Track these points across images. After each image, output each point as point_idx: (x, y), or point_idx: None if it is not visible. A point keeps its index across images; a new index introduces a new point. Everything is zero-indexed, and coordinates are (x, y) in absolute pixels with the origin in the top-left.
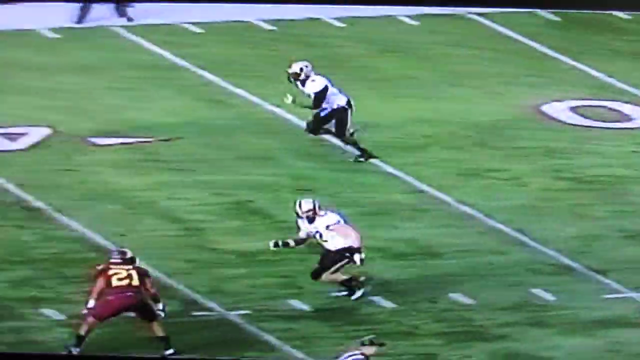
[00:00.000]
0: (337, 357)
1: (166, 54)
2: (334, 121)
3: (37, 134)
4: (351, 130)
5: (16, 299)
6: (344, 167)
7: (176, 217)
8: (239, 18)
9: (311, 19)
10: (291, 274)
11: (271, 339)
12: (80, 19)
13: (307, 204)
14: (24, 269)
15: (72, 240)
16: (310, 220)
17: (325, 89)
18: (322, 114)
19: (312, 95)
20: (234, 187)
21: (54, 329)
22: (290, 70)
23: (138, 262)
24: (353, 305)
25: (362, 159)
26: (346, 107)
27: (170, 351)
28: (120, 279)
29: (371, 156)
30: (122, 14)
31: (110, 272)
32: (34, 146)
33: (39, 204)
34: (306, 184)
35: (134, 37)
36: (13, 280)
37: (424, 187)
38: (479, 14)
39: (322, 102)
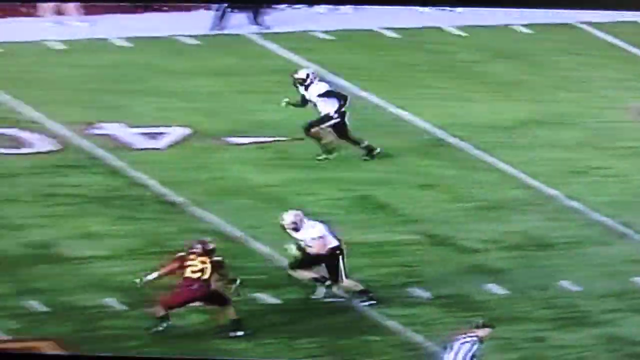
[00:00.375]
0: (453, 339)
1: (297, 60)
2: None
3: (177, 133)
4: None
5: (155, 287)
6: (461, 165)
7: (305, 211)
8: (365, 26)
9: (432, 27)
10: (412, 264)
11: (393, 324)
12: (217, 27)
13: (289, 217)
14: (162, 259)
15: (208, 232)
16: (295, 230)
17: (329, 91)
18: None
19: (317, 98)
20: (359, 183)
21: (191, 315)
22: (297, 76)
23: (270, 253)
24: (469, 292)
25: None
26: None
27: (240, 333)
28: (193, 272)
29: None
30: (257, 22)
31: (187, 262)
32: (174, 145)
33: (177, 198)
34: (426, 181)
35: (267, 44)
36: (153, 269)
37: (535, 183)
38: (587, 23)
39: (330, 100)
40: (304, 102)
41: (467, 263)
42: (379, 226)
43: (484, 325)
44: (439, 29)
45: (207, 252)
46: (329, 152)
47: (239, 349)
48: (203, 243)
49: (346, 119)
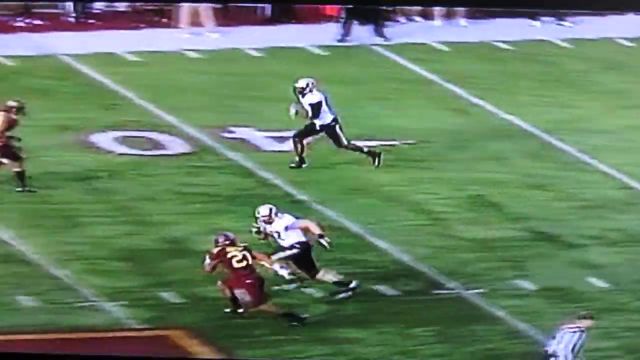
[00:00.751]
0: (558, 330)
1: (417, 69)
2: (330, 138)
3: None
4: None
5: (282, 279)
6: (566, 166)
7: (422, 209)
8: (479, 38)
9: (542, 40)
10: (520, 259)
11: (501, 314)
12: (343, 38)
13: (264, 210)
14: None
15: (331, 228)
16: (268, 223)
17: (320, 103)
18: (311, 127)
19: (309, 106)
20: (471, 183)
21: (314, 305)
22: (297, 85)
23: (389, 248)
24: (572, 285)
25: (376, 162)
26: (332, 123)
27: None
28: (239, 261)
29: (378, 156)
30: (380, 34)
31: (228, 255)
32: None
33: (302, 196)
34: (533, 181)
35: (390, 54)
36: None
37: (635, 184)
38: None
39: (319, 112)
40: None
41: (570, 258)
42: (490, 223)
43: (586, 317)
44: (548, 41)
45: (233, 242)
46: (300, 164)
47: (358, 337)
48: (225, 235)
49: (337, 130)
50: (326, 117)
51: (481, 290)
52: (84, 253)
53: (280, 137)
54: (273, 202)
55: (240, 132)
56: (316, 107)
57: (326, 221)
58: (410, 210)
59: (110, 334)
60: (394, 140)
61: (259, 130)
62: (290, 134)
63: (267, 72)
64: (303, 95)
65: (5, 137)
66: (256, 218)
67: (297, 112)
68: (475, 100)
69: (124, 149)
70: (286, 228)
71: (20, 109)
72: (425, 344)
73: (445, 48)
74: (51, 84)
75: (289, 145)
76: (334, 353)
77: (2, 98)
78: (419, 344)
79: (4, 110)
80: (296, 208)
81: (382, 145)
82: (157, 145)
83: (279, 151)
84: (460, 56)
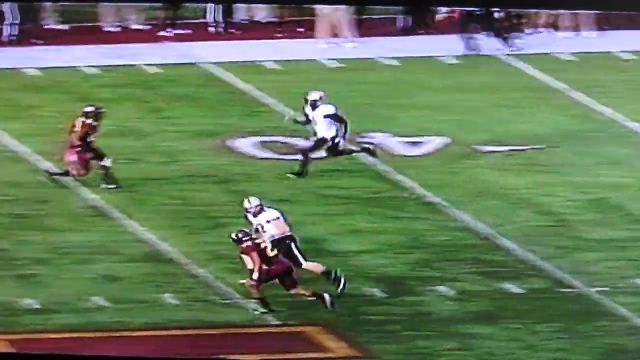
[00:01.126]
0: None
1: (544, 78)
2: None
3: (437, 142)
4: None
5: (414, 278)
6: None
7: (547, 211)
8: (604, 49)
9: None
10: (639, 258)
11: (622, 311)
12: (469, 49)
13: (255, 200)
14: (420, 253)
15: (460, 229)
16: (255, 214)
17: (335, 114)
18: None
19: (325, 118)
20: (594, 187)
21: (444, 303)
22: (310, 97)
23: (516, 248)
24: None
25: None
26: (325, 137)
27: (328, 297)
28: (271, 250)
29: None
30: (508, 44)
31: (261, 246)
32: (434, 152)
33: (434, 199)
34: None
35: (518, 64)
36: (412, 262)
37: None
38: None
39: (341, 120)
40: (307, 121)
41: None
42: (611, 224)
43: None
44: None
45: (252, 237)
46: (300, 173)
47: (486, 332)
48: (244, 231)
49: (341, 141)
50: (332, 129)
51: (603, 288)
52: (225, 252)
53: (415, 142)
54: (406, 204)
55: (377, 137)
56: (335, 118)
57: (456, 223)
58: (536, 212)
59: (249, 330)
60: (522, 145)
61: (395, 135)
62: (426, 139)
63: (402, 81)
64: (314, 108)
65: (85, 142)
66: (246, 209)
67: (292, 118)
68: (599, 107)
69: (263, 153)
70: (267, 221)
71: (98, 114)
72: (550, 339)
73: (571, 58)
74: (194, 91)
75: (423, 150)
76: (463, 348)
77: (147, 105)
78: (544, 339)
79: (82, 116)
80: (428, 210)
81: (511, 150)
82: (295, 149)
83: (414, 155)
84: (586, 66)
